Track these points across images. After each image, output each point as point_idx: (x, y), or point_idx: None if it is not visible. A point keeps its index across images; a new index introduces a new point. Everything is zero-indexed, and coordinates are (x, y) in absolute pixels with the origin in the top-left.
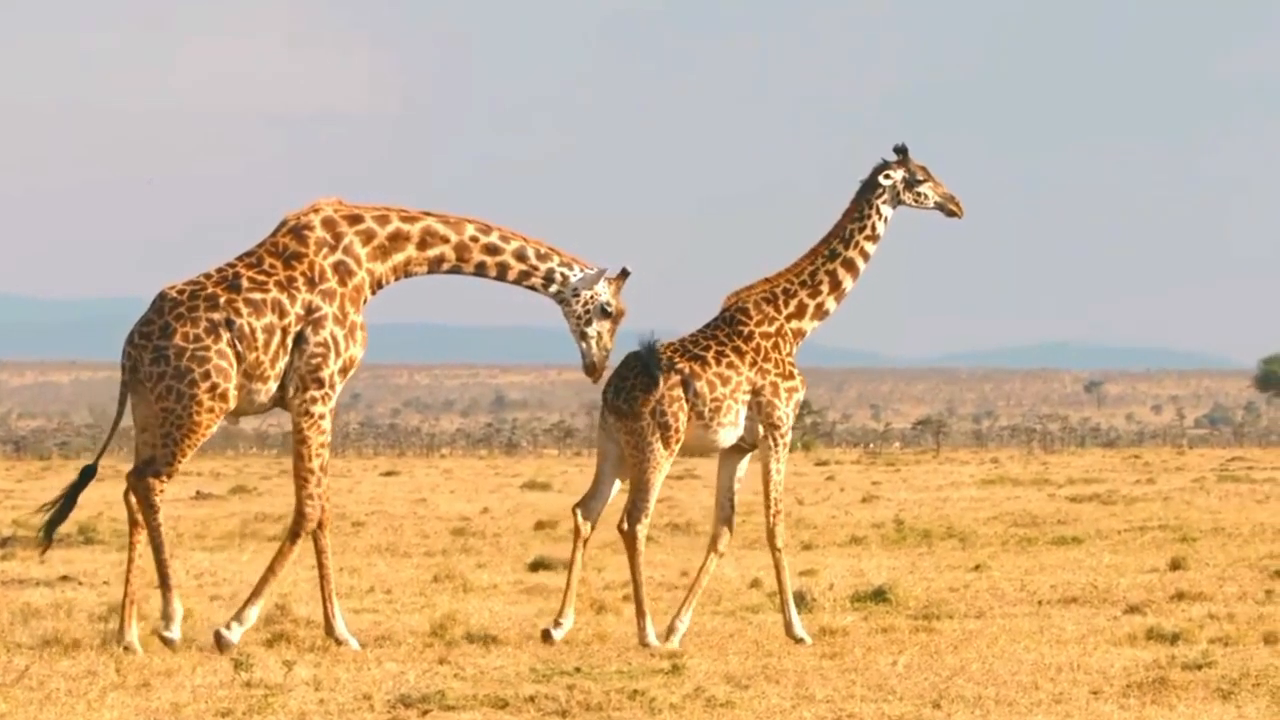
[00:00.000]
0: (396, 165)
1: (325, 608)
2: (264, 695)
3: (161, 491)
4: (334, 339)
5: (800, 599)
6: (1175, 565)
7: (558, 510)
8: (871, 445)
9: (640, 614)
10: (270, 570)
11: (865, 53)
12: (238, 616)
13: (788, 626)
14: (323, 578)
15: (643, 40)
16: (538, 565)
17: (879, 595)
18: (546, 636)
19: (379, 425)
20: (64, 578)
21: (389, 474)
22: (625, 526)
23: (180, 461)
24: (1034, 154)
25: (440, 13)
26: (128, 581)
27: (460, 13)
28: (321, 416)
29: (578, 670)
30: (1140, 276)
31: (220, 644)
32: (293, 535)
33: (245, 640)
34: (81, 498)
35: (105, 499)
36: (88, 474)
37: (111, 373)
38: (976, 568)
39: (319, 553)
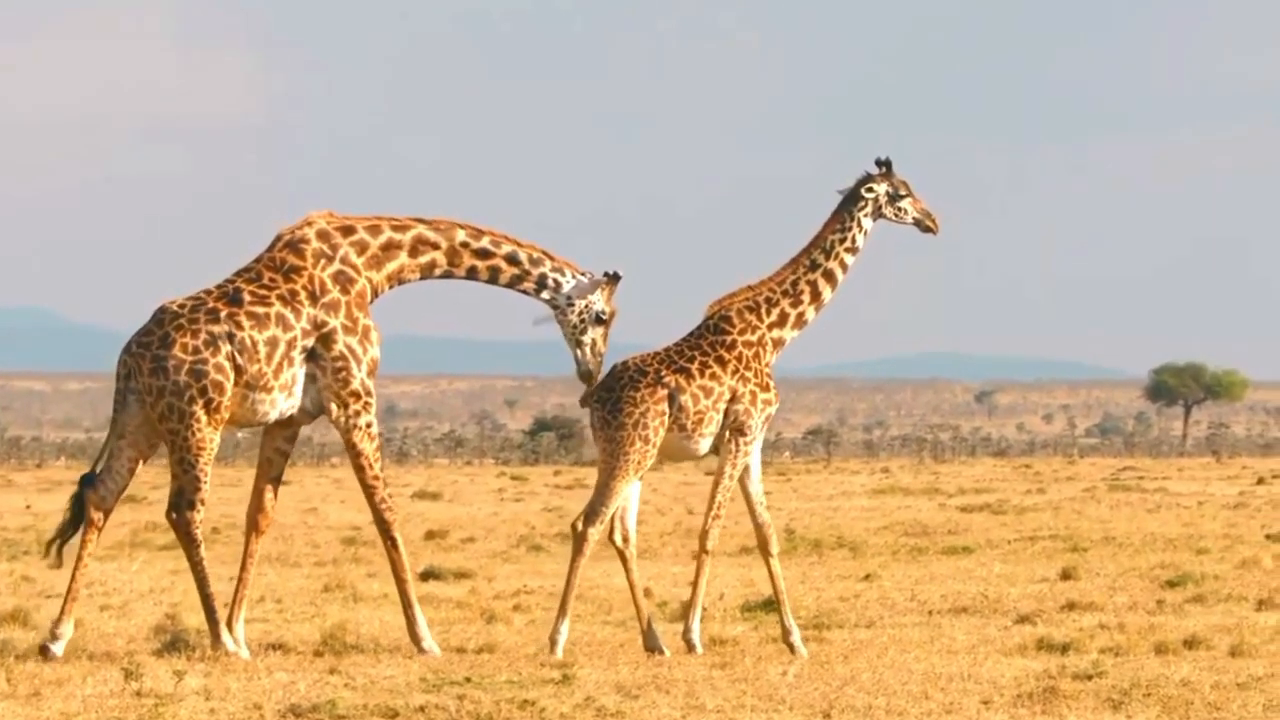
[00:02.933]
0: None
1: (231, 609)
2: (154, 705)
3: (200, 524)
4: (349, 349)
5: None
6: (1066, 575)
7: (447, 520)
8: (762, 454)
9: (561, 614)
10: (401, 582)
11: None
12: (413, 636)
13: (686, 631)
14: (241, 580)
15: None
16: (428, 575)
17: (769, 605)
18: (656, 651)
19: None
20: None
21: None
22: (579, 526)
23: (204, 483)
24: (924, 162)
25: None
26: (74, 579)
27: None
28: (369, 425)
29: (468, 680)
30: (1032, 286)
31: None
32: (392, 542)
33: (134, 649)
34: None
35: None
36: (86, 481)
37: (2, 382)
38: (867, 577)
39: (246, 555)
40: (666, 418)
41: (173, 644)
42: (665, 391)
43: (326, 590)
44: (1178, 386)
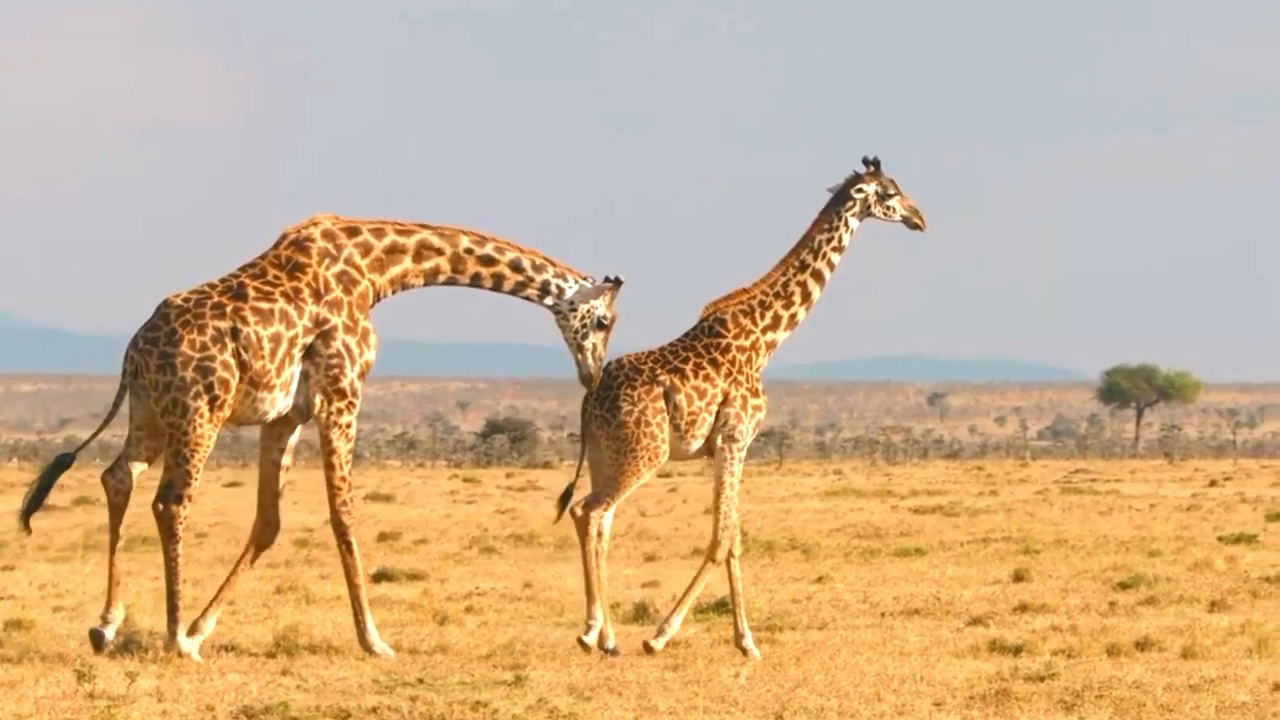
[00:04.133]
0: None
1: (209, 605)
2: (107, 706)
3: (184, 520)
4: (347, 348)
5: (643, 610)
6: (1018, 577)
7: (399, 522)
8: None
9: (590, 599)
10: (354, 587)
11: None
12: (363, 643)
13: (664, 623)
14: (228, 582)
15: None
16: (380, 576)
17: (721, 607)
18: (610, 652)
19: (222, 436)
20: None
21: (232, 485)
22: (579, 512)
23: (195, 479)
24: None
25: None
26: (113, 564)
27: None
28: (349, 425)
29: (420, 681)
30: (984, 288)
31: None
32: (347, 546)
33: (87, 650)
34: None
35: None
36: (63, 463)
37: None
38: (819, 579)
39: (241, 560)
40: (666, 414)
41: (125, 646)
42: (661, 389)
43: (279, 592)
44: (1130, 388)
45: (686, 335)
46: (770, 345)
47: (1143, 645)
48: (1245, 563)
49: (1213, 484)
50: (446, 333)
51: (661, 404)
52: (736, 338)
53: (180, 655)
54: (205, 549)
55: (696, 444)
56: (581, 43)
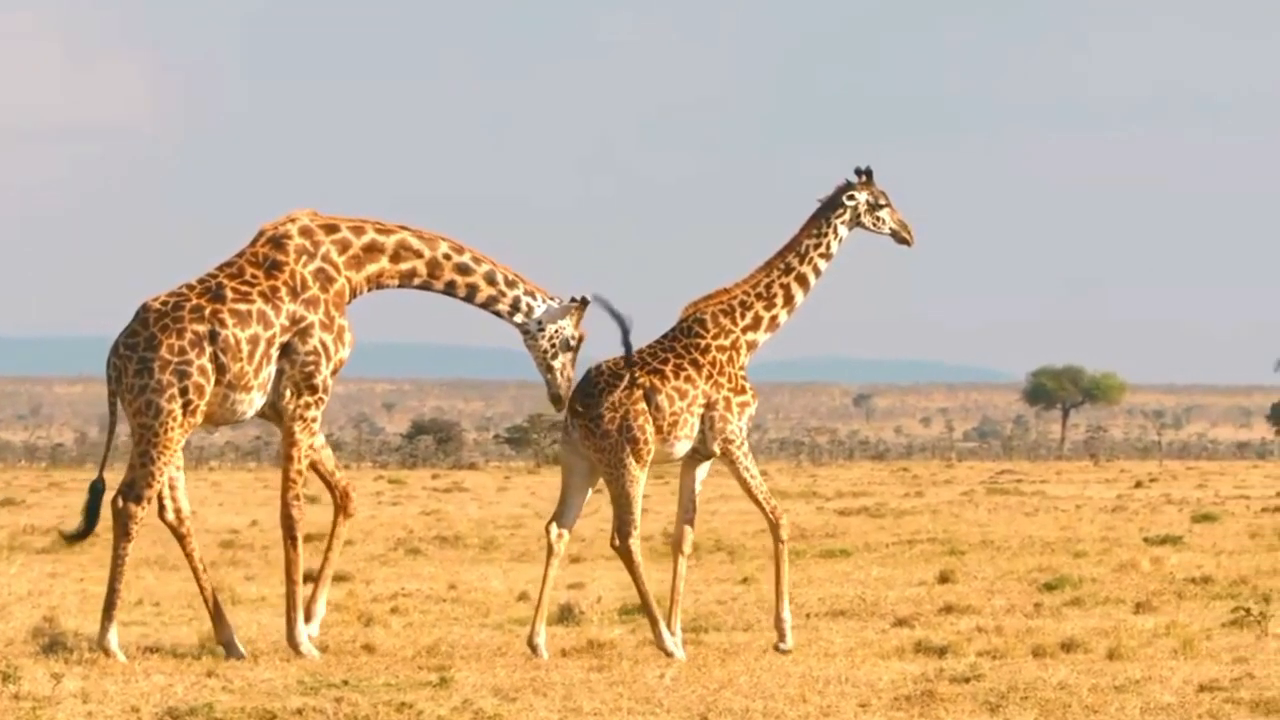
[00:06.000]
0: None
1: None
2: (32, 707)
3: (140, 520)
4: (323, 345)
5: (568, 612)
6: (944, 578)
7: (326, 523)
8: None
9: (653, 621)
10: (291, 583)
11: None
12: (291, 640)
13: (781, 631)
14: (324, 569)
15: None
16: (306, 578)
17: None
18: (535, 650)
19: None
20: None
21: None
22: (617, 543)
23: (158, 481)
24: (803, 160)
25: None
26: (200, 583)
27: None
28: (314, 420)
29: (345, 683)
30: (910, 288)
31: None
32: (292, 541)
33: (12, 652)
34: None
35: None
36: (97, 490)
37: None
38: (745, 580)
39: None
40: (648, 415)
41: (51, 647)
42: (640, 391)
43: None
44: (1056, 389)
45: (665, 336)
46: (751, 345)
47: (1068, 646)
48: (1170, 564)
49: (1138, 485)
50: (372, 333)
51: (642, 405)
52: (716, 338)
53: (108, 654)
54: (130, 550)
55: (681, 445)
56: (582, 43)
